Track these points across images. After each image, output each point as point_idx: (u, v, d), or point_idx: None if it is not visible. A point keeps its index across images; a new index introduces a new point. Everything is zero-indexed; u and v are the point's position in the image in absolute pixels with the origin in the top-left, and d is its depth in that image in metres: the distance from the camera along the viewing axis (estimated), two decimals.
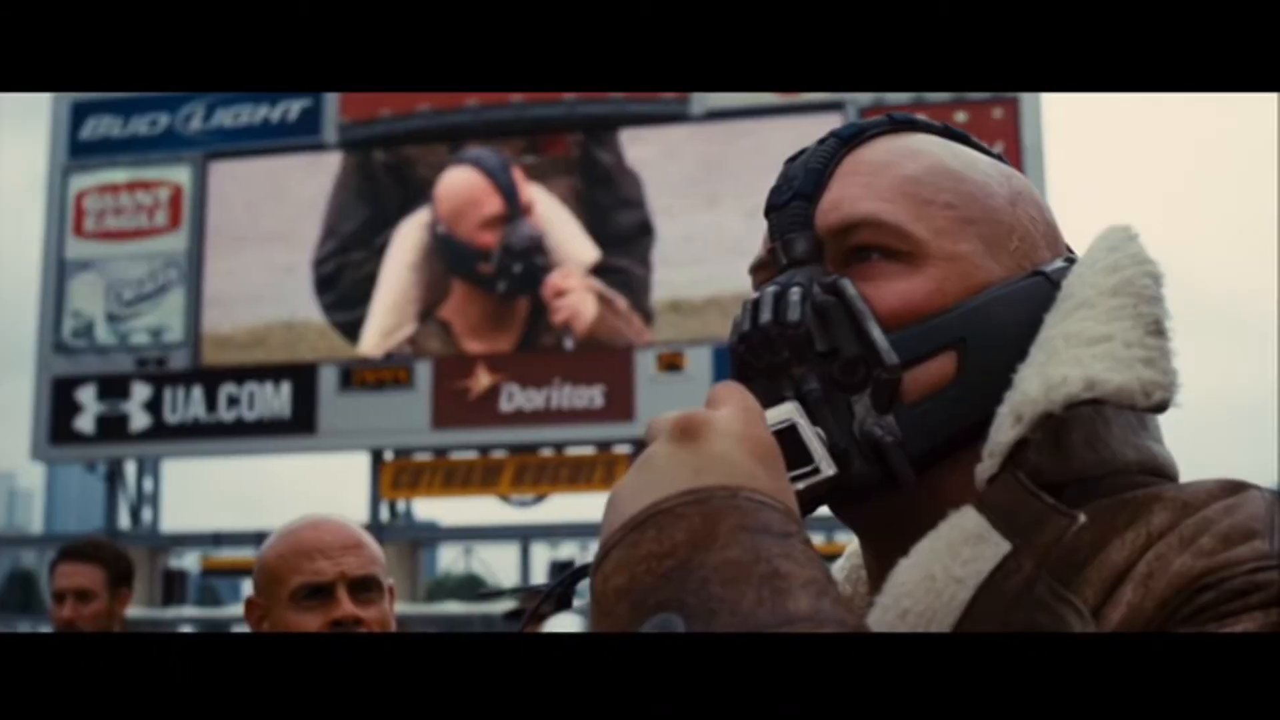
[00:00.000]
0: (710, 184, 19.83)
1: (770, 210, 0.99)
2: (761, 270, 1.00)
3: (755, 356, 0.93)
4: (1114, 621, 0.78)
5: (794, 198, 0.97)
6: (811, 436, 0.88)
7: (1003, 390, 0.88)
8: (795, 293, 0.92)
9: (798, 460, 0.86)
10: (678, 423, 0.78)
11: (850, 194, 0.95)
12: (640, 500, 0.74)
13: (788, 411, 0.89)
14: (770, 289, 0.94)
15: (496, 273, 20.26)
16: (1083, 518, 0.82)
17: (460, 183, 20.74)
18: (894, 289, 0.92)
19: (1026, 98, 19.39)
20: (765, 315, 0.92)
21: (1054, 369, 0.86)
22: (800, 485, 0.86)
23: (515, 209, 20.40)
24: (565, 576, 0.94)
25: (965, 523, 0.85)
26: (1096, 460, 0.91)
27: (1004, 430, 0.86)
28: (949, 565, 0.84)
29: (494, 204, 20.48)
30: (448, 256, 20.55)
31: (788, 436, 0.87)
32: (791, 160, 1.01)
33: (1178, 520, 0.81)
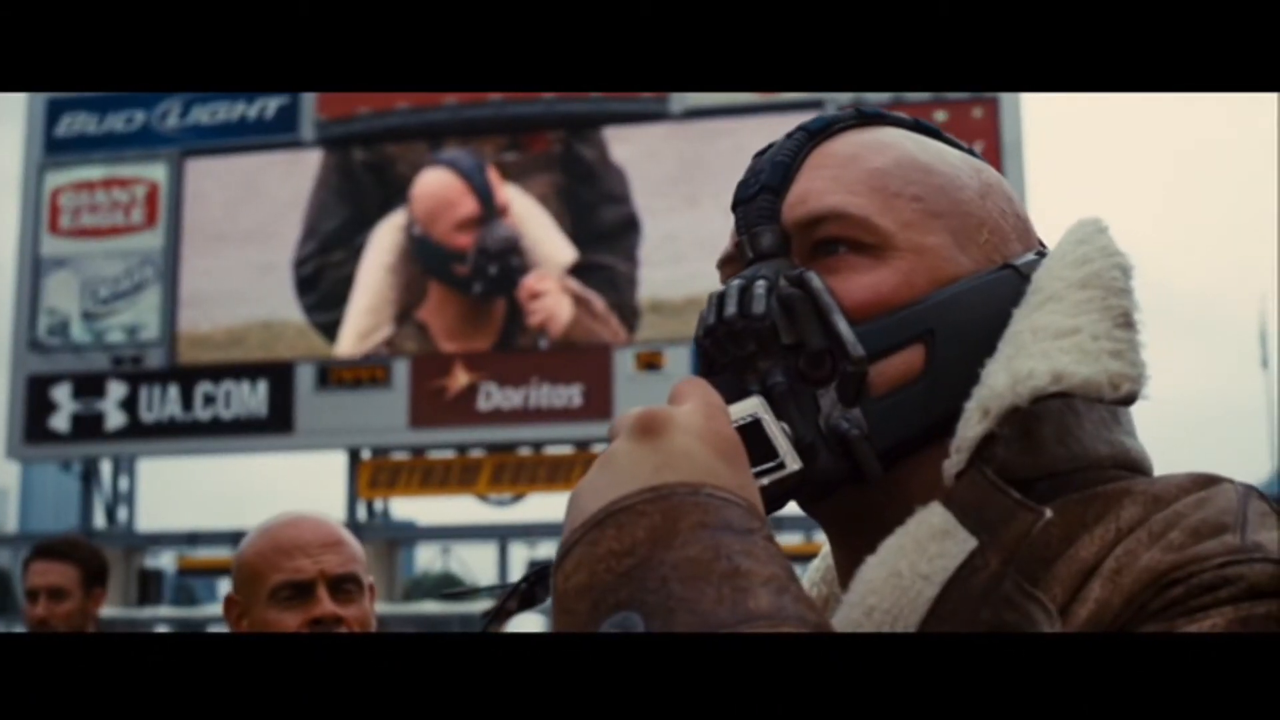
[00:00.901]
0: (690, 183, 19.83)
1: (737, 204, 0.99)
2: (729, 264, 0.99)
3: (720, 350, 0.93)
4: (1082, 618, 0.77)
5: (761, 191, 0.97)
6: (776, 431, 0.87)
7: (971, 384, 0.88)
8: (760, 285, 0.91)
9: (762, 456, 0.85)
10: (639, 419, 0.77)
11: (817, 187, 0.95)
12: (601, 498, 0.73)
13: (752, 406, 0.88)
14: (735, 282, 0.93)
15: (472, 274, 20.23)
16: (1049, 513, 0.82)
17: (435, 184, 20.69)
18: (860, 282, 0.92)
19: (1006, 97, 19.44)
20: (730, 308, 0.91)
21: (1021, 362, 0.86)
22: (765, 481, 0.85)
23: (490, 210, 20.37)
24: (527, 575, 0.93)
25: (932, 519, 0.85)
26: (1067, 455, 0.89)
27: (971, 425, 0.86)
28: (915, 562, 0.83)
29: (469, 205, 20.44)
30: (423, 258, 20.50)
31: (752, 431, 0.86)
32: (760, 154, 1.00)
33: (1148, 515, 0.80)
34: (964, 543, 0.83)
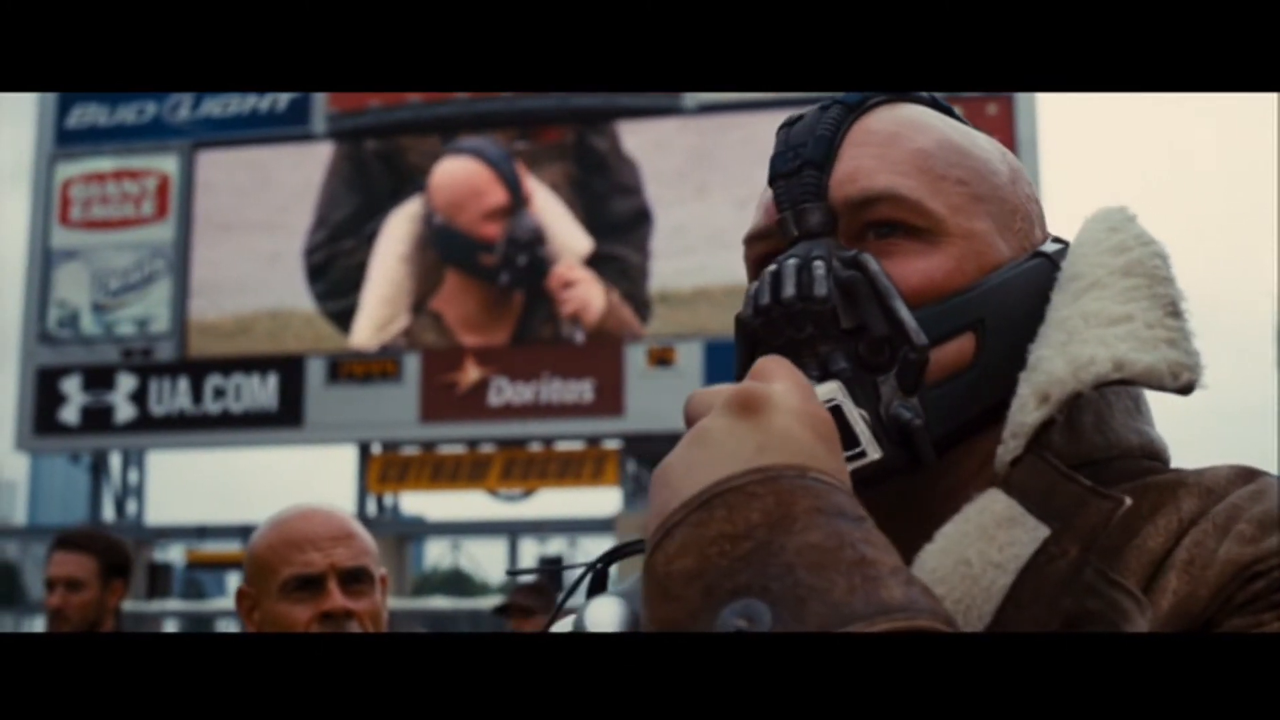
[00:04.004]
0: (700, 175, 19.83)
1: (777, 177, 0.95)
2: (761, 240, 0.96)
3: (773, 331, 0.89)
4: (1164, 609, 0.76)
5: (805, 166, 0.93)
6: (856, 418, 0.85)
7: (1015, 373, 0.88)
8: (819, 266, 0.88)
9: (843, 443, 0.83)
10: (736, 396, 0.73)
11: (866, 165, 0.92)
12: (701, 477, 0.70)
13: (831, 391, 0.85)
14: (791, 261, 0.90)
15: (501, 264, 20.16)
16: (1128, 501, 0.81)
17: (460, 173, 20.64)
18: (915, 267, 0.90)
19: (1021, 94, 19.41)
20: (788, 289, 0.88)
21: (1077, 348, 0.85)
22: (848, 469, 0.82)
23: (519, 199, 20.34)
24: (604, 556, 0.90)
25: (995, 506, 0.84)
26: (1104, 443, 0.90)
27: (1028, 411, 0.85)
28: (985, 550, 0.82)
29: (498, 195, 20.38)
30: (444, 247, 20.44)
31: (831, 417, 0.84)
32: (788, 125, 0.97)
33: (1206, 506, 0.80)
34: (1034, 530, 0.82)
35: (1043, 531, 0.82)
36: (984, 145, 0.98)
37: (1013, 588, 0.81)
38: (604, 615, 0.77)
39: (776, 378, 0.76)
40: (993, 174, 0.96)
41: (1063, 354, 0.86)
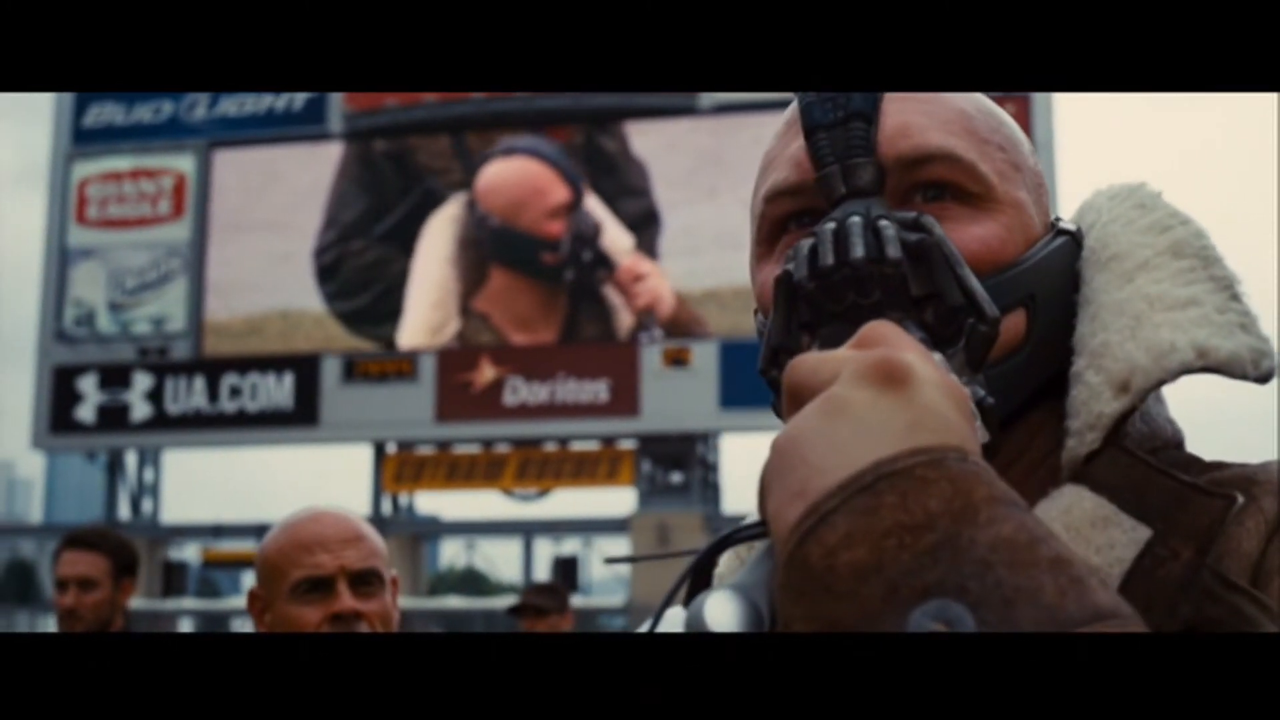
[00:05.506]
0: (710, 177, 19.84)
1: (816, 128, 0.85)
2: (789, 197, 0.87)
3: (834, 296, 0.79)
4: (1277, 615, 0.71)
5: (852, 117, 0.84)
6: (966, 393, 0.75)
7: (1056, 355, 0.83)
8: (889, 227, 0.79)
9: None
10: (878, 364, 0.63)
11: (916, 122, 0.85)
12: (853, 455, 0.60)
13: (939, 364, 0.75)
14: (855, 219, 0.80)
15: (566, 260, 20.18)
16: (1241, 499, 0.75)
17: (518, 173, 20.65)
18: (972, 234, 0.82)
19: (1038, 94, 19.37)
20: (858, 250, 0.78)
21: (1151, 334, 0.80)
22: None
23: (580, 196, 20.38)
24: (714, 546, 0.78)
25: (1083, 504, 0.78)
26: (1149, 433, 0.85)
27: (1105, 400, 0.80)
28: (1081, 553, 0.76)
29: (561, 192, 20.42)
30: (499, 249, 20.43)
31: None
32: None
33: None
34: (1132, 530, 0.76)
35: (1143, 532, 0.76)
36: (1007, 115, 0.93)
37: (1118, 594, 0.75)
38: (724, 613, 0.67)
39: (903, 346, 0.66)
40: (1021, 143, 0.90)
41: (1134, 339, 0.80)
